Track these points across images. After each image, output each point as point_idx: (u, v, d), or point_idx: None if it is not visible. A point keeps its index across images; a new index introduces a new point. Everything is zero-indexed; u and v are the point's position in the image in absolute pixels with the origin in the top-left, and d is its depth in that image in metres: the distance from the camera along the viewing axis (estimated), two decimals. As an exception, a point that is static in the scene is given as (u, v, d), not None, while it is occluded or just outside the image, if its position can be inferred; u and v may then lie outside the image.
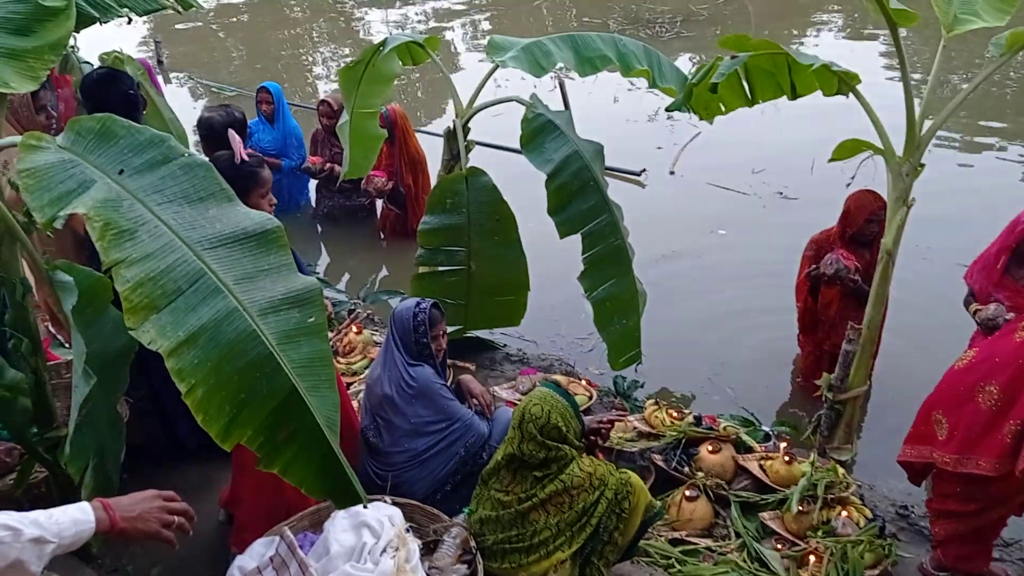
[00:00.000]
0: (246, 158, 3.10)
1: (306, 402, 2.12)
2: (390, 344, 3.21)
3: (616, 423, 3.50)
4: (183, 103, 8.89)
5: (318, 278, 5.58)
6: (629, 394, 4.31)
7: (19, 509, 3.13)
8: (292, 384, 2.10)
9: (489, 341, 4.76)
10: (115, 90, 3.60)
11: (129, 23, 3.07)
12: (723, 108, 4.16)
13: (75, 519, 1.74)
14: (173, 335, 1.99)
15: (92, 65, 5.62)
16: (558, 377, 4.29)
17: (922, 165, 3.54)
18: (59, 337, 4.19)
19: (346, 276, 6.16)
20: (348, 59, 10.74)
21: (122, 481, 2.96)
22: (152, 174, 2.21)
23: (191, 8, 3.20)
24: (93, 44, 5.79)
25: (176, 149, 2.28)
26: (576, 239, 4.05)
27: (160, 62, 9.76)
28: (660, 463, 3.65)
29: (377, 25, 11.70)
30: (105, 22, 2.90)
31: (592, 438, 2.96)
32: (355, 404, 3.87)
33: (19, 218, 2.56)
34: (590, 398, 4.14)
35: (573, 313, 5.12)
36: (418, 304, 3.22)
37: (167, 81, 9.37)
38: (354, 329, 4.57)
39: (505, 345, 4.81)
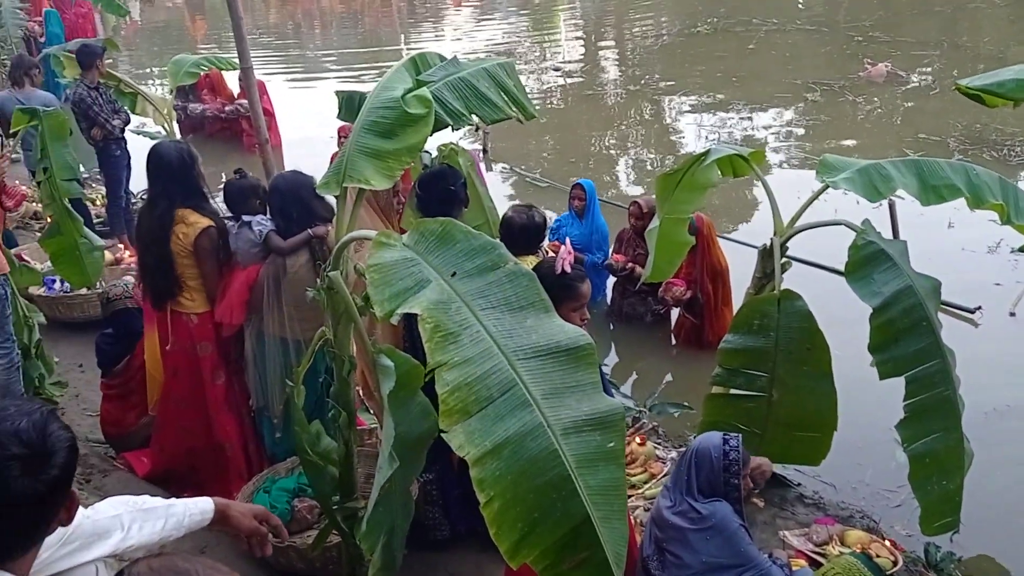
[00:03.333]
0: (568, 270, 3.14)
1: (597, 532, 2.02)
2: (684, 474, 3.05)
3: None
4: (501, 191, 9.47)
5: (606, 379, 5.59)
6: (943, 568, 3.74)
7: (311, 569, 3.35)
8: (586, 511, 2.02)
9: (782, 477, 4.39)
10: (439, 185, 3.97)
11: (477, 131, 3.28)
12: (1096, 255, 3.59)
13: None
14: (480, 443, 2.01)
15: (430, 154, 6.17)
16: (859, 532, 3.84)
17: None
18: (366, 404, 4.51)
19: (632, 377, 6.08)
20: (653, 157, 10.89)
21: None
22: (480, 279, 2.28)
23: (532, 118, 3.35)
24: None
25: (504, 257, 2.34)
26: (895, 380, 3.65)
27: (485, 151, 10.52)
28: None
29: (690, 127, 11.79)
30: (456, 129, 3.13)
31: (906, 627, 2.56)
32: (630, 518, 3.74)
33: (357, 301, 2.77)
34: (894, 563, 3.65)
35: (882, 460, 4.59)
36: (727, 440, 3.05)
37: (489, 169, 10.06)
38: (637, 440, 4.44)
39: (800, 484, 4.42)
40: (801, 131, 10.98)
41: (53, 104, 6.79)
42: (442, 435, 2.01)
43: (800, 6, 19.08)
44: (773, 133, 11.05)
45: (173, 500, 1.94)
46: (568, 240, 4.18)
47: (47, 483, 1.43)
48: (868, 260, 3.67)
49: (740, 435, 3.12)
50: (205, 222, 3.88)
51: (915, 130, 10.16)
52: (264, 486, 3.75)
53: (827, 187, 3.91)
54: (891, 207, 6.36)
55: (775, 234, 4.10)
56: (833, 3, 19.01)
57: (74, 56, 7.43)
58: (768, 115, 11.67)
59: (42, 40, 11.66)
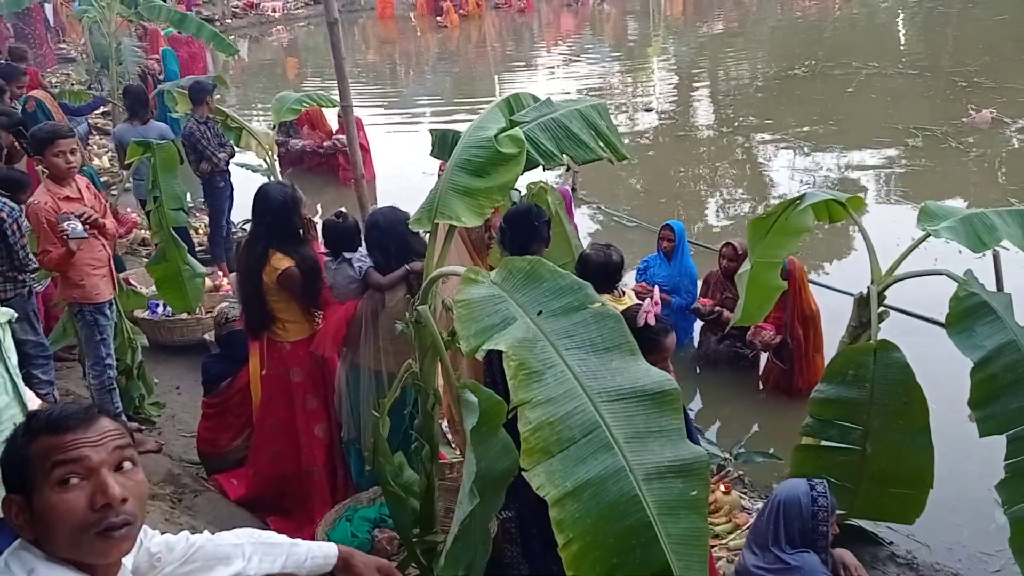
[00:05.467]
0: (652, 322, 3.12)
1: (677, 582, 1.99)
2: (771, 524, 2.96)
3: None
4: (588, 230, 9.48)
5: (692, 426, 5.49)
6: (1047, 642, 3.51)
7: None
8: (666, 560, 1.98)
9: (873, 534, 4.22)
10: (523, 222, 4.13)
11: (567, 170, 3.32)
12: None
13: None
14: (561, 484, 2.00)
15: (519, 192, 6.24)
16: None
17: None
18: (451, 437, 4.54)
19: (716, 424, 5.95)
20: (744, 199, 10.73)
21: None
22: (566, 319, 2.29)
23: (624, 160, 3.36)
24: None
25: (591, 297, 2.35)
26: (996, 437, 3.48)
27: (574, 189, 10.55)
28: None
29: (784, 169, 11.57)
30: (547, 169, 3.17)
31: None
32: (713, 568, 3.64)
33: (444, 336, 2.81)
34: (995, 634, 3.45)
35: (980, 521, 4.38)
36: (813, 487, 2.97)
37: (577, 206, 10.07)
38: (722, 488, 4.34)
39: (892, 543, 4.23)
40: (901, 176, 10.66)
41: (168, 136, 7.17)
42: (522, 474, 2.01)
43: (902, 48, 18.62)
44: (871, 178, 10.77)
45: (298, 540, 1.99)
46: (656, 290, 4.14)
47: None
48: (970, 312, 3.54)
49: (825, 480, 3.03)
50: (286, 263, 4.02)
51: (1021, 179, 9.75)
52: (346, 515, 3.81)
53: (928, 235, 3.79)
54: (995, 258, 6.10)
55: (872, 282, 3.98)
56: (937, 48, 18.50)
57: (186, 92, 7.85)
58: (866, 159, 11.38)
59: (160, 77, 12.32)
